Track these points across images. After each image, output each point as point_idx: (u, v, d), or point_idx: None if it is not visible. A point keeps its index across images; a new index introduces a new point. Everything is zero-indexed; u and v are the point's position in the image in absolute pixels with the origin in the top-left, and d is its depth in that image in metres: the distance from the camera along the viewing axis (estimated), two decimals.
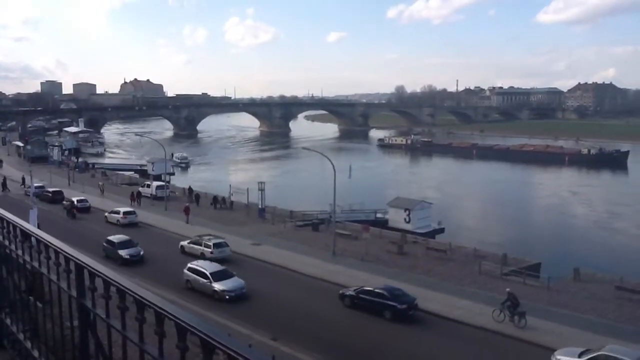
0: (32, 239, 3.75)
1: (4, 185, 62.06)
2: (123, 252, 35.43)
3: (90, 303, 3.11)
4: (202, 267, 30.61)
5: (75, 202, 51.87)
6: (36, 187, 51.42)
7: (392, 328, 25.59)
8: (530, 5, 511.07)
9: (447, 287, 30.99)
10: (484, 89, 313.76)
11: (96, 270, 2.92)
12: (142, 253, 35.91)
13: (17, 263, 4.08)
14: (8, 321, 4.39)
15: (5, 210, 4.32)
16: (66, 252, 3.24)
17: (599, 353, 20.42)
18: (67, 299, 3.31)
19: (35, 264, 3.73)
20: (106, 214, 48.89)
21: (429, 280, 32.43)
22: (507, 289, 27.41)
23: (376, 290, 27.57)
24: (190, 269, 30.93)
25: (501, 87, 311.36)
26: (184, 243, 38.24)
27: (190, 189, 62.55)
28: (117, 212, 47.86)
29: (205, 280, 29.76)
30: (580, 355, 20.70)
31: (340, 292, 29.04)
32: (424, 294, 29.51)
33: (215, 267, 30.87)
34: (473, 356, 23.00)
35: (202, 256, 35.26)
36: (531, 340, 24.05)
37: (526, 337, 24.40)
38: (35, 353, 3.88)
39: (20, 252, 3.97)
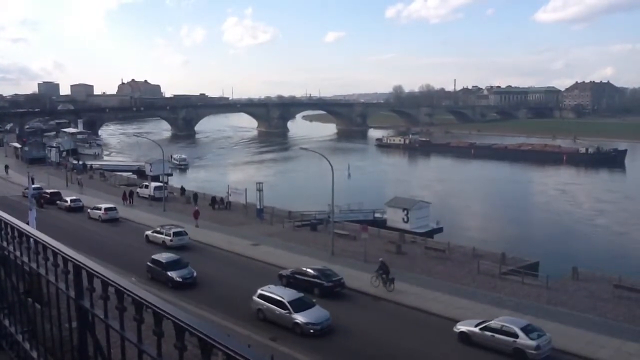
0: (31, 240, 3.74)
1: None
2: (174, 274, 30.90)
3: (88, 304, 3.11)
4: (277, 295, 26.16)
5: (69, 202, 53.55)
6: (34, 189, 51.43)
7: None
8: (529, 4, 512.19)
9: (446, 286, 31.01)
10: (481, 88, 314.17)
11: (94, 271, 2.92)
12: (195, 275, 31.55)
13: (16, 264, 4.07)
14: (7, 322, 4.38)
15: (3, 212, 4.31)
16: (64, 253, 3.23)
17: (492, 322, 23.53)
18: (66, 300, 3.31)
19: (34, 265, 3.71)
20: (89, 210, 50.44)
21: (428, 279, 32.44)
22: (380, 259, 31.91)
23: (308, 271, 30.64)
24: (262, 297, 26.47)
25: (499, 87, 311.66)
26: (149, 232, 41.47)
27: (182, 189, 62.73)
28: (99, 209, 49.64)
29: (283, 311, 25.39)
30: (477, 325, 23.72)
31: (279, 273, 31.80)
32: (424, 293, 29.60)
33: (293, 294, 26.55)
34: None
35: (163, 244, 39.15)
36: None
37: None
38: (34, 354, 3.87)
39: (18, 253, 3.96)
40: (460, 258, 37.35)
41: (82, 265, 3.05)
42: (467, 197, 72.08)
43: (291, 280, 30.73)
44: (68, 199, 54.60)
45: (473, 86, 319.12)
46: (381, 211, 51.10)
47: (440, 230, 48.61)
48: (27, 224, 4.36)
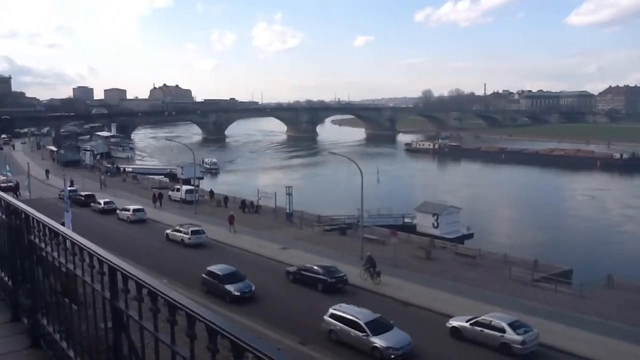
0: (67, 241, 3.81)
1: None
2: (231, 288, 29.36)
3: (123, 305, 3.15)
4: (352, 315, 24.32)
5: (103, 204, 54.75)
6: (69, 191, 52.74)
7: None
8: (561, 8, 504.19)
9: (476, 293, 30.70)
10: (512, 93, 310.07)
11: (129, 273, 2.97)
12: (253, 289, 29.95)
13: (53, 265, 4.14)
14: (44, 321, 4.47)
15: (41, 213, 4.40)
16: (100, 255, 3.29)
17: (481, 317, 24.57)
18: (101, 301, 3.35)
19: (70, 266, 3.79)
20: (118, 211, 51.78)
21: (457, 286, 32.15)
22: (368, 253, 34.23)
23: (313, 267, 32.10)
24: (335, 317, 24.73)
25: (530, 91, 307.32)
26: (169, 231, 43.15)
27: (211, 192, 63.48)
28: (128, 210, 51.04)
29: (359, 333, 23.60)
30: (467, 321, 24.82)
31: (286, 269, 33.38)
32: (453, 299, 29.39)
33: (369, 315, 24.64)
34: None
35: (182, 242, 41.13)
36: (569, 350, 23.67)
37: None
38: (71, 353, 3.95)
39: (55, 254, 4.03)
40: (491, 264, 36.94)
41: (117, 267, 3.09)
42: (498, 203, 71.24)
43: (297, 277, 32.24)
44: (102, 201, 55.88)
45: (504, 90, 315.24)
46: (411, 216, 50.89)
47: (470, 236, 48.15)
48: (63, 224, 4.50)
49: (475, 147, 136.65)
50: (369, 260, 33.27)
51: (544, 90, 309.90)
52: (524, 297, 30.09)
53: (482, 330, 23.99)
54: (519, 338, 22.93)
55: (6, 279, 5.34)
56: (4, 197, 5.23)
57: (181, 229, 42.52)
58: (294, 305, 28.97)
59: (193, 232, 41.56)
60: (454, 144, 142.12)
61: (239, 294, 29.16)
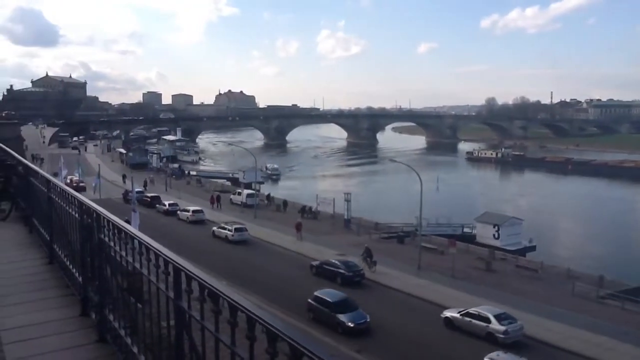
0: (135, 241, 3.92)
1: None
2: (345, 319, 26.05)
3: (186, 305, 3.21)
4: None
5: (167, 206, 56.79)
6: (136, 192, 54.92)
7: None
8: (635, 13, 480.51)
9: (537, 308, 29.87)
10: (580, 102, 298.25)
11: (193, 274, 3.02)
12: (369, 319, 26.59)
13: (120, 263, 4.28)
14: (111, 317, 4.62)
15: (110, 213, 4.59)
16: (165, 255, 3.35)
17: (471, 309, 26.70)
18: (165, 300, 3.44)
19: (137, 265, 3.89)
20: (178, 212, 53.74)
21: (518, 299, 31.36)
22: (365, 244, 38.43)
23: (333, 262, 35.10)
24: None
25: (599, 100, 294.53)
26: (215, 228, 46.24)
27: (268, 196, 64.67)
28: (187, 211, 53.01)
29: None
30: (459, 312, 27.04)
31: (310, 263, 36.42)
32: (512, 313, 28.77)
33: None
34: None
35: (225, 239, 44.07)
36: None
37: None
38: (135, 349, 4.08)
39: (123, 252, 4.17)
40: (553, 279, 35.90)
41: (181, 267, 3.15)
42: (562, 215, 68.94)
43: (320, 270, 35.22)
44: (166, 202, 57.69)
45: (571, 99, 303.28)
46: (470, 226, 50.10)
47: (533, 248, 46.86)
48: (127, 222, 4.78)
49: (540, 157, 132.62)
50: (366, 251, 37.06)
51: (614, 99, 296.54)
52: (588, 314, 29.02)
53: (471, 321, 26.24)
54: (502, 328, 25.17)
55: (77, 274, 5.63)
56: (78, 196, 5.52)
57: (226, 226, 45.46)
58: None
59: (236, 229, 44.48)
60: (517, 153, 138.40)
61: (353, 325, 25.86)
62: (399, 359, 23.77)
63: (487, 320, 25.74)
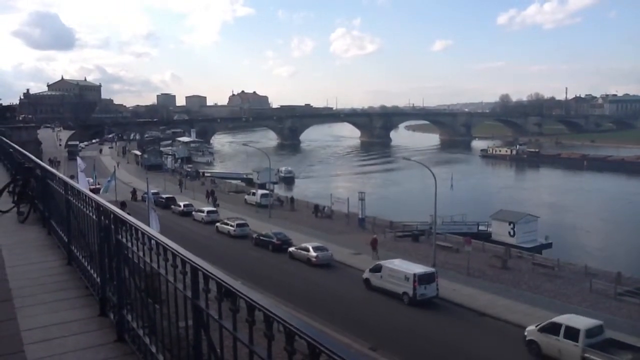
0: (152, 241, 3.95)
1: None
2: None
3: (204, 304, 3.22)
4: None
5: (182, 207, 57.45)
6: (152, 194, 55.37)
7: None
8: None
9: (555, 305, 29.66)
10: (595, 97, 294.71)
11: (210, 273, 3.04)
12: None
13: (137, 264, 4.33)
14: (129, 317, 4.66)
15: (128, 214, 4.65)
16: (183, 255, 3.37)
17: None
18: (183, 299, 3.45)
19: (155, 265, 3.93)
20: (193, 212, 54.90)
21: (535, 297, 31.22)
22: (374, 235, 41.45)
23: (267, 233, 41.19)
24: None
25: (615, 95, 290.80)
26: (218, 224, 48.67)
27: (292, 199, 64.54)
28: (202, 211, 54.24)
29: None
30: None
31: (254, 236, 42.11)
32: (529, 311, 28.60)
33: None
34: None
35: (228, 234, 46.32)
36: None
37: None
38: (153, 348, 4.12)
39: (140, 253, 4.20)
40: (570, 276, 35.55)
41: (199, 267, 3.17)
42: (578, 212, 68.23)
43: (257, 241, 41.41)
44: (181, 204, 58.26)
45: (586, 94, 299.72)
46: (486, 224, 49.76)
47: (549, 246, 46.41)
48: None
49: (555, 154, 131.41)
50: (372, 242, 40.04)
51: (631, 94, 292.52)
52: (605, 311, 28.70)
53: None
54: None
55: (95, 275, 5.69)
56: (96, 198, 5.58)
57: (228, 222, 47.65)
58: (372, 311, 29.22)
59: (238, 225, 46.77)
60: (532, 150, 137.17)
61: None
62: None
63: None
